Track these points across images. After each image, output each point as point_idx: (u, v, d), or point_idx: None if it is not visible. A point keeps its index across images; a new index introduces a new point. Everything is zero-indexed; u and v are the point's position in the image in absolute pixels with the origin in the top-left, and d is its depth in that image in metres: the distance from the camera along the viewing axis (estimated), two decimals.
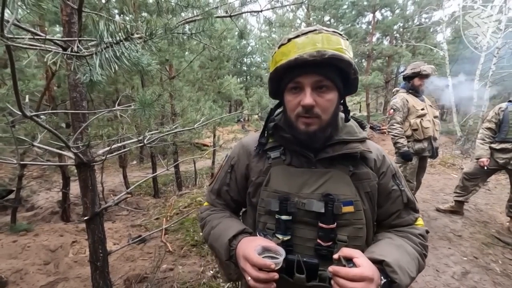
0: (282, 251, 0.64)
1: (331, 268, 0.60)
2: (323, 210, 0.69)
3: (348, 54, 0.67)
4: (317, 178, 0.73)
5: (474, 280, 2.21)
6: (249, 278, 0.62)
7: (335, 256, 0.64)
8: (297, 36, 0.68)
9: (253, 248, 0.64)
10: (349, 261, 0.61)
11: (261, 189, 0.78)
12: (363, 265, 0.59)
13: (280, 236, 0.71)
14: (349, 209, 0.70)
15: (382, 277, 0.61)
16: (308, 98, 0.67)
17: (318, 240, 0.70)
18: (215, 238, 0.79)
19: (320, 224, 0.69)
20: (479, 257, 2.51)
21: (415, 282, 2.17)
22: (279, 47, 0.72)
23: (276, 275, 0.61)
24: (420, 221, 0.82)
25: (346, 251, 0.63)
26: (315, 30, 0.67)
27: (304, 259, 0.65)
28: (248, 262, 0.63)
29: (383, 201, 0.79)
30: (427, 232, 0.80)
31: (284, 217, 0.71)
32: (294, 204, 0.71)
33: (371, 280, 0.57)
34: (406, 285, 0.62)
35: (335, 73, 0.69)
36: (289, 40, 0.69)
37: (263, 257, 0.63)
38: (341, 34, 0.68)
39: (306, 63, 0.64)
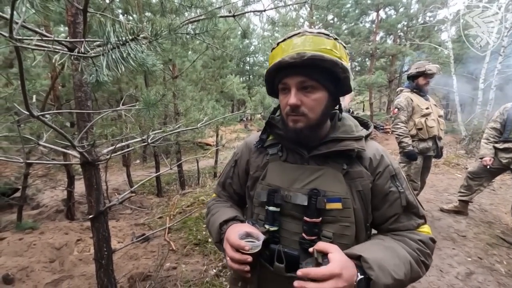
0: (261, 237, 0.69)
1: (300, 272, 0.59)
2: (306, 203, 0.71)
3: (334, 54, 0.68)
4: (308, 174, 0.76)
5: (478, 280, 2.19)
6: (228, 258, 0.68)
7: (310, 249, 0.65)
8: (284, 40, 0.72)
9: (237, 232, 0.70)
10: (324, 255, 0.61)
11: (257, 183, 0.83)
12: (333, 261, 0.58)
13: (267, 226, 0.75)
14: (336, 205, 0.71)
15: (358, 274, 0.60)
16: (292, 98, 0.70)
17: (303, 234, 0.72)
18: (211, 224, 0.87)
19: (305, 218, 0.72)
20: (484, 258, 2.49)
21: (418, 282, 2.16)
22: (271, 51, 0.77)
23: (249, 258, 0.65)
24: (425, 229, 0.77)
25: (321, 245, 0.63)
26: (299, 33, 0.70)
27: (285, 250, 0.69)
28: (228, 242, 0.70)
29: (380, 204, 0.76)
30: (433, 241, 0.75)
31: (271, 208, 0.75)
32: (282, 197, 0.75)
33: (339, 276, 0.56)
34: (386, 284, 0.60)
35: (321, 73, 0.70)
36: (278, 44, 0.74)
37: (245, 241, 0.67)
38: (327, 35, 0.70)
39: (290, 65, 0.67)
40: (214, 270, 2.40)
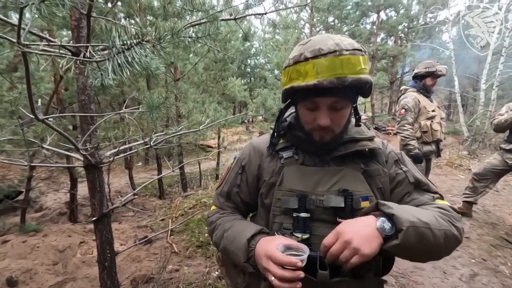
0: (305, 248, 0.63)
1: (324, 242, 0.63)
2: (342, 205, 0.69)
3: (366, 72, 0.67)
4: (331, 176, 0.75)
5: (482, 282, 2.17)
6: (273, 278, 0.61)
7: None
8: (315, 57, 0.64)
9: (275, 247, 0.63)
10: None
11: (274, 189, 0.78)
12: (336, 228, 0.63)
13: (299, 235, 0.71)
14: (365, 204, 0.71)
15: (380, 218, 0.62)
16: (324, 119, 0.70)
17: None
18: (229, 241, 0.77)
19: (339, 220, 0.69)
20: (488, 259, 2.48)
21: (422, 284, 2.15)
22: (294, 63, 0.69)
23: (301, 273, 0.60)
24: (442, 201, 0.78)
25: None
26: (335, 51, 0.63)
27: None
28: (271, 260, 0.62)
29: (392, 188, 0.81)
30: (454, 209, 0.75)
31: (303, 215, 0.71)
32: (313, 201, 0.72)
33: (342, 232, 0.60)
34: (410, 221, 0.59)
35: (352, 91, 0.71)
36: (307, 59, 0.65)
37: (286, 254, 0.62)
38: (360, 50, 0.65)
39: (327, 88, 0.65)
40: (217, 272, 2.40)
